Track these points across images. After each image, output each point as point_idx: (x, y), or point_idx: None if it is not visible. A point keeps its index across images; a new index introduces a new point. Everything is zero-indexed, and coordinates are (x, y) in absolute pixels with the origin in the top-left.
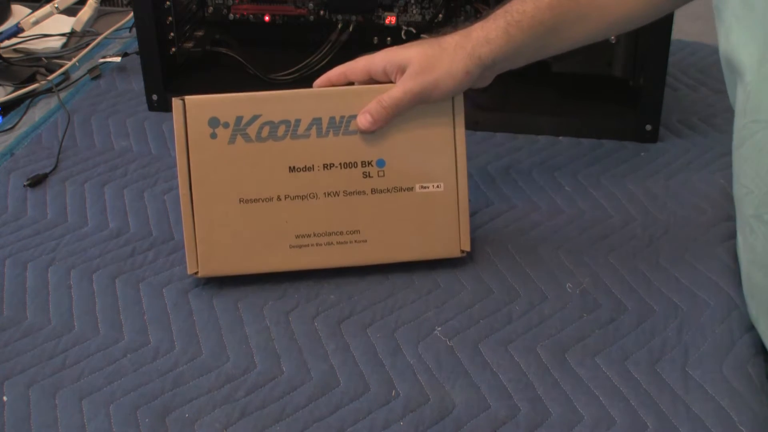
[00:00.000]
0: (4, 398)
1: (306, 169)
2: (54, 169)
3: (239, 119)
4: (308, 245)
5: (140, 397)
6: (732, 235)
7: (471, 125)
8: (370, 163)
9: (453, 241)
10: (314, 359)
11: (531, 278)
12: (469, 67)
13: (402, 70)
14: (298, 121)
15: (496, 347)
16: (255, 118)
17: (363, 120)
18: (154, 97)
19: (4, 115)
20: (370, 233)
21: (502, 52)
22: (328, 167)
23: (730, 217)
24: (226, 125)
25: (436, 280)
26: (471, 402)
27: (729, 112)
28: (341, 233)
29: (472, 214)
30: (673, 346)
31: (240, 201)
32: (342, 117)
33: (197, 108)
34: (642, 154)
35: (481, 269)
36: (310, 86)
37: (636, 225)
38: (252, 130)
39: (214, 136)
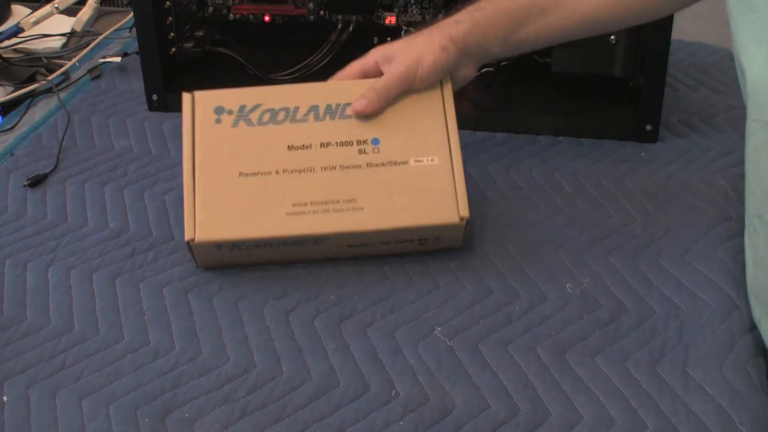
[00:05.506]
0: (4, 398)
1: (304, 147)
2: (54, 169)
3: (243, 107)
4: (305, 213)
5: (140, 397)
6: (732, 236)
7: (471, 125)
8: (365, 142)
9: (451, 208)
10: (314, 359)
11: (531, 278)
12: (443, 43)
13: (389, 59)
14: (296, 108)
15: (496, 347)
16: (257, 106)
17: (357, 103)
18: (154, 97)
19: (4, 115)
20: (366, 202)
21: (471, 35)
22: (325, 145)
23: (730, 218)
24: (230, 112)
25: (436, 280)
26: (471, 402)
27: (729, 112)
28: (338, 201)
29: (472, 215)
30: (673, 347)
31: (240, 174)
32: (338, 104)
33: (204, 99)
34: (642, 154)
35: (481, 269)
36: None
37: (636, 225)
38: (254, 116)
39: (218, 121)
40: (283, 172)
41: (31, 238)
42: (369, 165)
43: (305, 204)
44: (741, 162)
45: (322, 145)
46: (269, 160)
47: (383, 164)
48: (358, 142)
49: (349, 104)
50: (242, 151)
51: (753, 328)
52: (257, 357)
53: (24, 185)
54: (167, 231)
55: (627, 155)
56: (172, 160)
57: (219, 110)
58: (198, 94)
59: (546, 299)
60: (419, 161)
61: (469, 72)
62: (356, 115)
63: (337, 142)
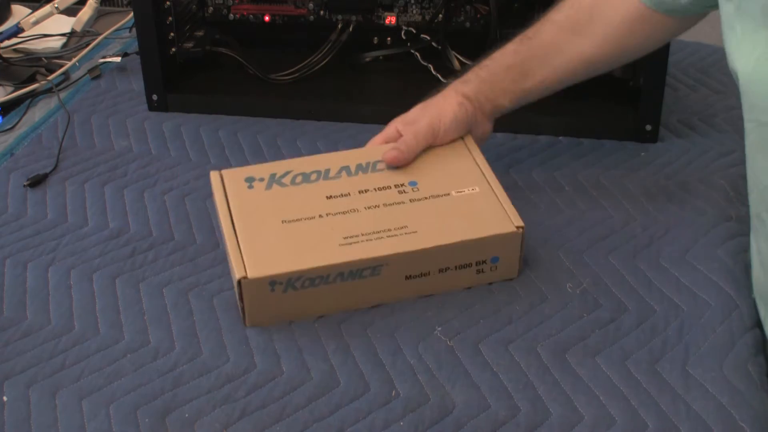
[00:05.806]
0: (4, 398)
1: (342, 195)
2: (54, 169)
3: (273, 174)
4: (358, 242)
5: (140, 397)
6: (732, 236)
7: None
8: (403, 184)
9: (504, 219)
10: (314, 359)
11: (531, 278)
12: (459, 100)
13: (411, 122)
14: (328, 169)
15: (496, 347)
16: (288, 172)
17: (389, 154)
18: (154, 97)
19: (4, 115)
20: (418, 226)
21: (480, 92)
22: (364, 192)
23: (730, 218)
24: (261, 179)
25: None
26: (471, 402)
27: (729, 112)
28: (389, 229)
29: None
30: (673, 346)
31: (283, 221)
32: (368, 162)
33: (233, 174)
34: (642, 154)
35: None
36: (309, 85)
37: (636, 225)
38: (286, 180)
39: (251, 187)
40: (327, 215)
41: (31, 238)
42: (412, 200)
43: (356, 235)
44: (741, 162)
45: (360, 191)
46: (310, 207)
47: (426, 198)
48: (396, 185)
49: (379, 161)
50: (281, 205)
51: (753, 326)
52: (257, 357)
53: (24, 185)
54: (167, 231)
55: (627, 155)
56: (172, 160)
57: (250, 179)
58: (225, 171)
59: (546, 299)
60: (461, 192)
61: (486, 129)
62: (388, 167)
63: (375, 188)
